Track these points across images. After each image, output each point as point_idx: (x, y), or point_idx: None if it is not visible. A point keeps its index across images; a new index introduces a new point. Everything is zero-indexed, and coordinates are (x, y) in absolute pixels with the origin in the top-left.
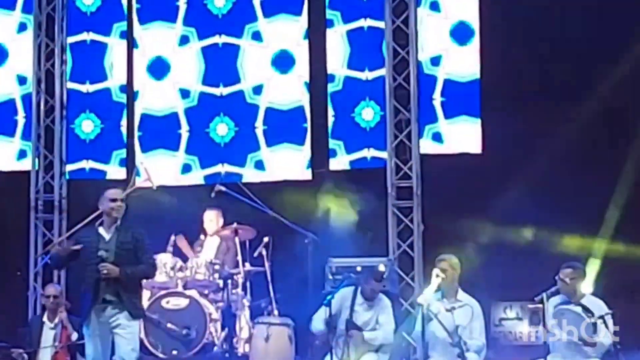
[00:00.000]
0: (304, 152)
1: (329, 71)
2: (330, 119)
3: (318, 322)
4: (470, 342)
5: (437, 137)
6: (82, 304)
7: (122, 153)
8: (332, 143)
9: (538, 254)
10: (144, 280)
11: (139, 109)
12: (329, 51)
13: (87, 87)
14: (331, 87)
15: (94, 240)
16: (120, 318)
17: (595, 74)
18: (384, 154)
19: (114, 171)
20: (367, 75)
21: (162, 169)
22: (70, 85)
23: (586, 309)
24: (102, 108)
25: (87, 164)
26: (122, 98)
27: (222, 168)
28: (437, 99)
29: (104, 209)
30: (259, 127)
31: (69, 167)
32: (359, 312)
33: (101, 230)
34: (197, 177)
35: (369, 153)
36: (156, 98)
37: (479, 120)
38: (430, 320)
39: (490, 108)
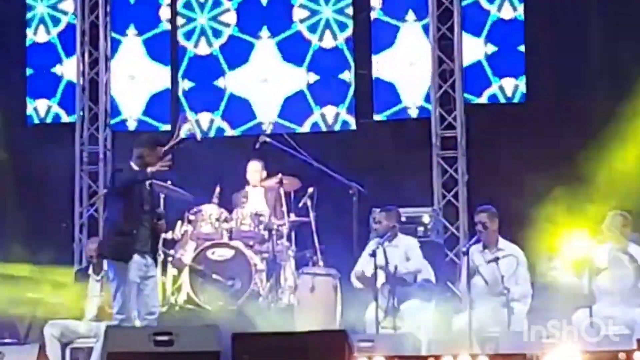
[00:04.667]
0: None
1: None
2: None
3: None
4: (514, 289)
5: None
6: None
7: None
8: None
9: (584, 203)
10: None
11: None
12: None
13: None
14: None
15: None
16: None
17: None
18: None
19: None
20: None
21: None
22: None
23: (632, 257)
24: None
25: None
26: None
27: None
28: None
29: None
30: None
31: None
32: (390, 255)
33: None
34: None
35: None
36: None
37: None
38: (474, 271)
39: (534, 59)
